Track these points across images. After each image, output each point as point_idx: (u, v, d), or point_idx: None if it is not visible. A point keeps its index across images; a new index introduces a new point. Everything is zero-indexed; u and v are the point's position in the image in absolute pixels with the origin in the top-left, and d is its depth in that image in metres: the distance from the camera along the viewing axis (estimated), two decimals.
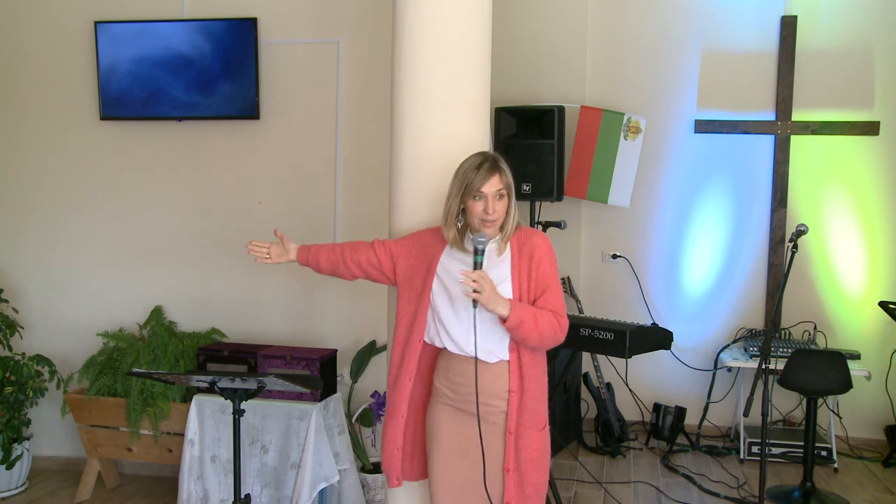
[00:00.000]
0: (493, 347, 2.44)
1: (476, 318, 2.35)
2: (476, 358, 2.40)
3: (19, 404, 4.14)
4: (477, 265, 2.34)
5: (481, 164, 2.40)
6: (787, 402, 4.75)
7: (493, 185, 2.39)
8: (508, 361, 2.45)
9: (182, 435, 3.81)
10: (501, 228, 2.47)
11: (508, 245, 2.47)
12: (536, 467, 2.45)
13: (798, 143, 4.74)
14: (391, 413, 2.61)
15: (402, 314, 2.59)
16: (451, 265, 2.50)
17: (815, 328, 4.66)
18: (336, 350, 3.93)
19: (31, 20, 4.51)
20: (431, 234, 2.60)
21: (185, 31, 4.28)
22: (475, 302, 2.31)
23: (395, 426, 2.60)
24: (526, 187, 4.32)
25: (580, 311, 4.81)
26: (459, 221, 2.48)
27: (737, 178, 4.83)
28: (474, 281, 2.28)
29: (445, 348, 2.50)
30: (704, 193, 4.85)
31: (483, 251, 2.35)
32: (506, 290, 2.42)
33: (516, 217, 2.48)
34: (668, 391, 4.87)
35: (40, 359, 4.16)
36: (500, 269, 2.45)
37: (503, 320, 2.35)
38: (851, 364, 4.04)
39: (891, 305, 4.28)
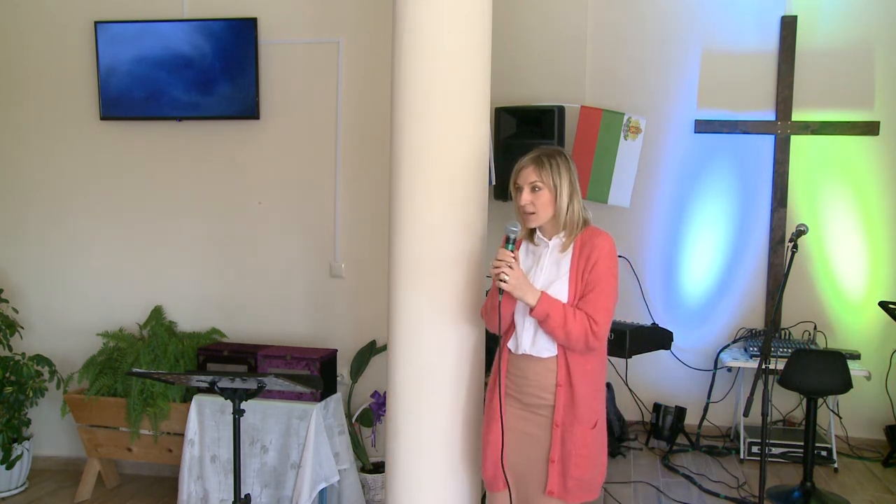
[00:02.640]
0: (545, 343, 2.48)
1: (500, 306, 2.44)
2: (507, 348, 2.53)
3: (19, 404, 4.14)
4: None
5: (523, 158, 2.51)
6: (787, 402, 4.74)
7: (525, 177, 2.48)
8: (556, 356, 2.49)
9: (182, 435, 3.81)
10: (565, 227, 2.51)
11: (573, 243, 2.50)
12: (581, 462, 2.47)
13: (798, 143, 4.74)
14: (493, 417, 2.59)
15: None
16: (525, 265, 2.58)
17: (815, 328, 4.65)
18: (336, 350, 3.94)
19: (31, 20, 4.51)
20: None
21: (185, 31, 4.29)
22: (501, 290, 2.40)
23: (497, 431, 2.58)
24: None
25: None
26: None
27: (737, 178, 4.82)
28: (497, 268, 2.38)
29: (509, 349, 2.58)
30: (704, 193, 4.85)
31: (513, 240, 2.43)
32: (562, 287, 2.46)
33: (580, 215, 2.51)
34: (668, 391, 4.87)
35: (40, 359, 4.16)
36: (560, 267, 2.50)
37: (531, 311, 2.41)
38: (851, 364, 4.04)
39: (891, 305, 4.28)
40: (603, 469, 2.58)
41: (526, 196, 2.47)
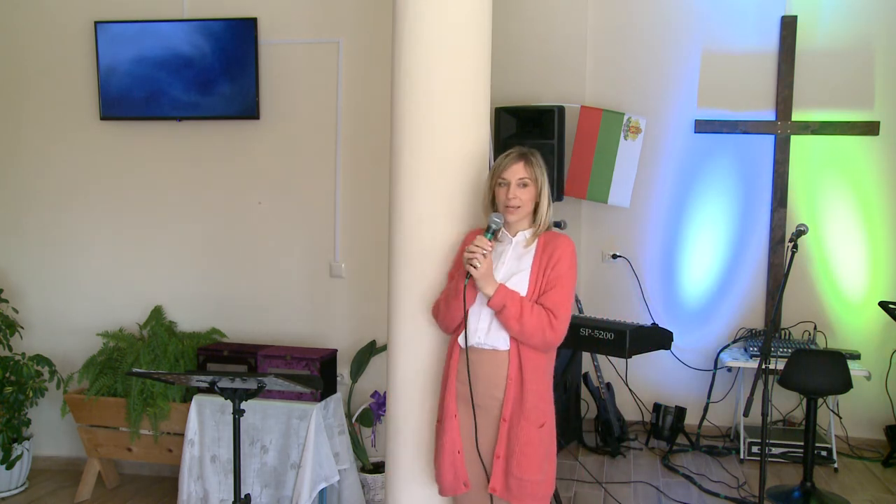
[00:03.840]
0: (500, 333, 2.49)
1: (466, 291, 2.46)
2: (466, 336, 2.51)
3: (19, 404, 4.14)
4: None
5: (509, 154, 2.56)
6: (787, 402, 4.74)
7: (515, 173, 2.52)
8: (508, 350, 2.49)
9: (182, 435, 3.81)
10: (534, 221, 2.57)
11: (536, 240, 2.55)
12: (524, 462, 2.44)
13: (798, 143, 4.74)
14: (446, 417, 2.55)
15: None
16: (488, 261, 2.57)
17: (815, 328, 4.66)
18: (336, 350, 3.94)
19: (31, 20, 4.51)
20: (469, 237, 2.65)
21: (185, 31, 4.28)
22: (468, 275, 2.42)
23: (453, 429, 2.55)
24: None
25: (580, 310, 4.80)
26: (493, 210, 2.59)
27: (737, 178, 4.83)
28: (472, 253, 2.40)
29: (459, 344, 2.56)
30: (704, 193, 4.85)
31: (495, 231, 2.47)
32: (522, 280, 2.49)
33: (550, 215, 2.58)
34: (668, 391, 4.87)
35: (40, 359, 4.16)
36: (522, 261, 2.53)
37: (489, 301, 2.45)
38: (851, 364, 4.04)
39: (891, 305, 4.28)
40: (551, 476, 2.52)
41: (515, 191, 2.51)
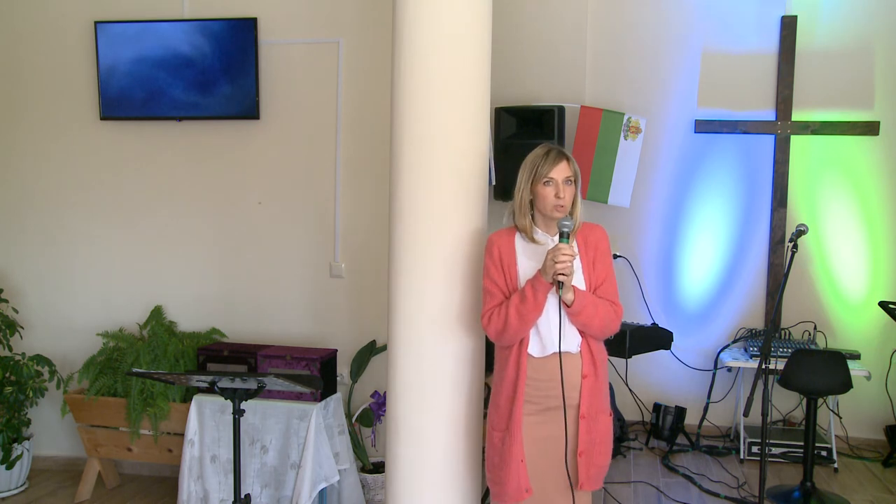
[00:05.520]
0: (575, 337, 2.53)
1: (560, 302, 2.44)
2: (560, 342, 2.47)
3: (19, 404, 4.14)
4: None
5: (548, 152, 2.52)
6: (787, 402, 4.74)
7: (561, 171, 2.50)
8: (580, 350, 2.54)
9: (182, 435, 3.81)
10: (576, 221, 2.54)
11: (575, 238, 2.54)
12: (603, 450, 2.57)
13: (798, 143, 4.74)
14: (513, 427, 2.54)
15: None
16: (528, 265, 2.56)
17: (815, 328, 4.66)
18: (336, 350, 3.94)
19: (30, 20, 4.51)
20: (498, 243, 2.61)
21: (185, 31, 4.29)
22: (561, 284, 2.38)
23: (519, 439, 2.54)
24: None
25: None
26: (531, 211, 2.56)
27: (737, 178, 4.83)
28: (563, 262, 2.34)
29: (530, 354, 2.54)
30: (704, 193, 4.85)
31: (568, 234, 2.42)
32: (578, 280, 2.51)
33: (582, 210, 2.57)
34: (668, 391, 4.87)
35: (40, 359, 4.16)
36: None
37: (566, 306, 2.45)
38: (851, 364, 4.04)
39: (891, 305, 4.28)
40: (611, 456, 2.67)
41: (564, 189, 2.48)
